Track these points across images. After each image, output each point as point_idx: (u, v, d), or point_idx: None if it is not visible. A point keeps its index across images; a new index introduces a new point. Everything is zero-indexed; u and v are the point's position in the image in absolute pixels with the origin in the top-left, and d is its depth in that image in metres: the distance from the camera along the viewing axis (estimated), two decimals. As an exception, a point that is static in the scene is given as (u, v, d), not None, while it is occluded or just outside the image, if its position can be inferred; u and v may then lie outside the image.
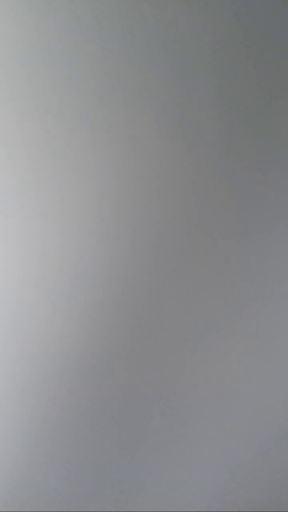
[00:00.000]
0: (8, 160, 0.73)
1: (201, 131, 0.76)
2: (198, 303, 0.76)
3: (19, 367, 0.73)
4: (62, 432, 0.74)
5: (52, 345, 0.73)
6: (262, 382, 0.77)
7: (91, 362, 0.74)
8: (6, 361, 0.73)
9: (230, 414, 0.76)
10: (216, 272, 0.76)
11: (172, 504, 0.76)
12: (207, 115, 0.76)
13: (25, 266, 0.73)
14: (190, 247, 0.75)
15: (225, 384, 0.76)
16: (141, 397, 0.75)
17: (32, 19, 0.73)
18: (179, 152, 0.75)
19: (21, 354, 0.73)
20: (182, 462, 0.76)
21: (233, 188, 0.76)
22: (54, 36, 0.73)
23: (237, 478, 0.77)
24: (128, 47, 0.74)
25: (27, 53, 0.73)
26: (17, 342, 0.73)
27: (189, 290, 0.75)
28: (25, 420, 0.73)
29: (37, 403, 0.73)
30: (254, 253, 0.77)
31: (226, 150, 0.76)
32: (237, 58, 0.76)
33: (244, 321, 0.76)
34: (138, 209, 0.75)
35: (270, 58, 0.77)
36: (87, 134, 0.74)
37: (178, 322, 0.75)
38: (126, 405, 0.75)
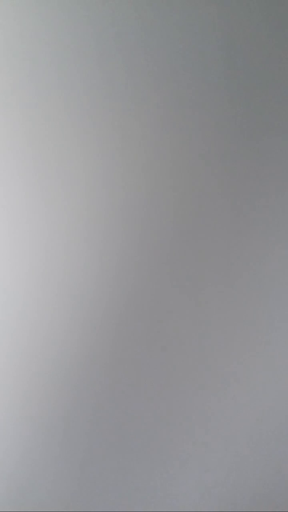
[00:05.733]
0: (10, 160, 0.73)
1: (203, 128, 0.76)
2: (199, 303, 0.76)
3: (21, 369, 0.73)
4: (63, 432, 0.74)
5: (53, 346, 0.73)
6: (263, 384, 0.77)
7: (92, 363, 0.74)
8: (8, 366, 0.73)
9: (230, 415, 0.76)
10: (217, 272, 0.76)
11: (172, 504, 0.76)
12: (209, 111, 0.76)
13: (28, 266, 0.73)
14: (191, 243, 0.75)
15: (226, 385, 0.76)
16: (142, 398, 0.75)
17: (32, 12, 0.73)
18: (181, 148, 0.75)
19: (23, 357, 0.73)
20: (182, 462, 0.76)
21: (234, 184, 0.76)
22: (56, 27, 0.73)
23: (237, 478, 0.77)
24: (129, 40, 0.74)
25: (28, 50, 0.73)
26: (18, 344, 0.73)
27: (190, 288, 0.75)
28: (27, 419, 0.73)
29: (38, 402, 0.73)
30: (254, 251, 0.77)
31: (228, 145, 0.76)
32: (239, 50, 0.76)
33: (245, 319, 0.76)
34: (140, 206, 0.75)
35: (271, 52, 0.77)
36: (90, 127, 0.74)
37: (180, 323, 0.75)
38: (127, 406, 0.75)
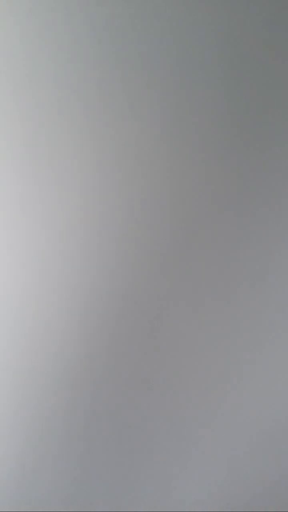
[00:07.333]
0: (8, 163, 0.73)
1: (202, 129, 0.76)
2: (199, 305, 0.76)
3: (20, 368, 0.73)
4: (62, 432, 0.74)
5: (52, 349, 0.73)
6: (262, 384, 0.77)
7: (92, 362, 0.74)
8: (8, 365, 0.73)
9: (230, 415, 0.76)
10: (217, 273, 0.76)
11: (172, 504, 0.76)
12: (208, 112, 0.76)
13: (27, 267, 0.73)
14: (191, 245, 0.76)
15: (226, 385, 0.76)
16: (142, 398, 0.75)
17: (32, 17, 0.73)
18: (180, 149, 0.75)
19: (22, 356, 0.73)
20: (182, 462, 0.76)
21: (235, 186, 0.76)
22: (55, 31, 0.73)
23: (237, 479, 0.77)
24: (128, 44, 0.74)
25: (28, 51, 0.73)
26: (17, 347, 0.73)
27: (189, 290, 0.76)
28: (26, 416, 0.73)
29: (37, 402, 0.73)
30: (255, 252, 0.77)
31: (227, 147, 0.76)
32: (238, 52, 0.76)
33: (245, 320, 0.76)
34: (139, 208, 0.75)
35: (272, 54, 0.77)
36: (87, 131, 0.74)
37: (179, 324, 0.75)
38: (127, 406, 0.75)
